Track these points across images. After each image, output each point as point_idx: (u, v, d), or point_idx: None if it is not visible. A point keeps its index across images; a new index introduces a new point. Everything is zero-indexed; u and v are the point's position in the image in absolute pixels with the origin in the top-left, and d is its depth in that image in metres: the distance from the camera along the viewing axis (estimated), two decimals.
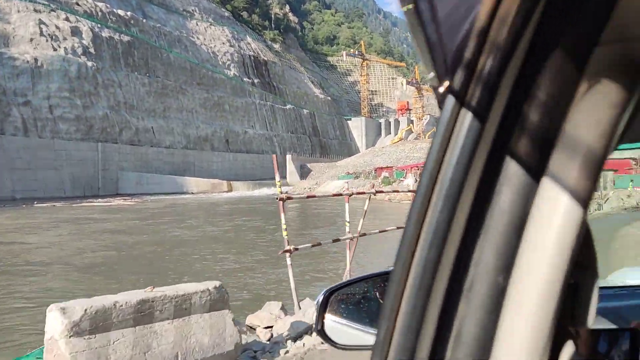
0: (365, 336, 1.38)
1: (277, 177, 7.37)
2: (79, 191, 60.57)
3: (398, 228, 9.97)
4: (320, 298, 1.46)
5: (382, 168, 50.11)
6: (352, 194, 8.85)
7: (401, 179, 41.54)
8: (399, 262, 0.51)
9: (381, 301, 1.27)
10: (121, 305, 4.52)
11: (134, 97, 73.58)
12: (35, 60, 61.19)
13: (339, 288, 1.53)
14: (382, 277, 1.52)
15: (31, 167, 55.19)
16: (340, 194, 9.56)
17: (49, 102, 61.01)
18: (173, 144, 77.85)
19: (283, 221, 7.51)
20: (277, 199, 7.44)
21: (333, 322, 1.45)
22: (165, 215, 29.64)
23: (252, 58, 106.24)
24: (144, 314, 4.63)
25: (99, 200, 49.02)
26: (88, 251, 16.36)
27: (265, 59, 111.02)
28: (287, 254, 7.43)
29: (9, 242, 18.40)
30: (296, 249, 7.58)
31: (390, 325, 0.50)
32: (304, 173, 74.26)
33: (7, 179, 51.98)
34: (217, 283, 5.39)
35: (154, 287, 4.86)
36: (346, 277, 8.21)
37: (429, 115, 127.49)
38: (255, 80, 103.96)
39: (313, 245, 8.19)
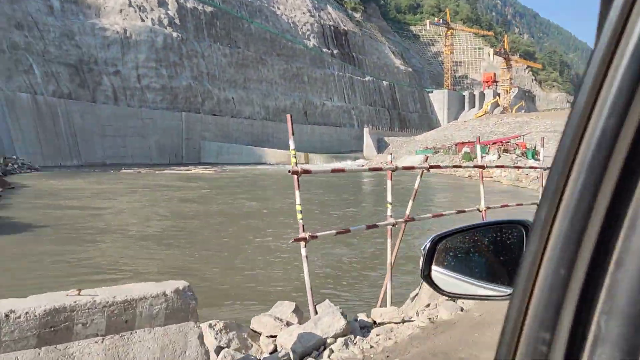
0: (471, 287, 1.38)
1: (292, 144, 5.89)
2: (164, 159, 63.05)
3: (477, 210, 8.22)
4: (427, 244, 1.46)
5: (463, 143, 47.63)
6: (396, 168, 6.97)
7: (483, 154, 39.13)
8: (536, 234, 0.47)
9: (487, 254, 1.44)
10: (18, 317, 3.05)
11: (216, 67, 74.90)
12: (125, 30, 63.54)
13: (446, 235, 1.50)
14: (495, 228, 1.46)
15: (120, 135, 57.94)
16: (380, 169, 7.56)
17: (137, 71, 63.42)
18: (252, 115, 78.87)
19: (297, 201, 5.84)
20: (289, 172, 5.99)
21: (438, 270, 1.46)
22: (240, 185, 29.77)
23: (332, 28, 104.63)
24: (56, 330, 3.17)
25: (182, 168, 50.58)
26: (154, 219, 16.39)
27: (346, 29, 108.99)
28: (302, 243, 5.84)
29: (82, 207, 18.89)
30: (313, 237, 5.88)
31: (526, 296, 0.48)
32: (381, 147, 72.73)
33: (98, 145, 54.93)
34: (180, 284, 3.78)
35: (80, 290, 3.38)
36: (386, 283, 6.92)
37: (517, 88, 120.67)
38: (335, 51, 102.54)
39: (338, 233, 6.50)
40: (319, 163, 69.73)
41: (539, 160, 40.78)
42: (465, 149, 43.22)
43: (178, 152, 65.42)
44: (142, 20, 66.67)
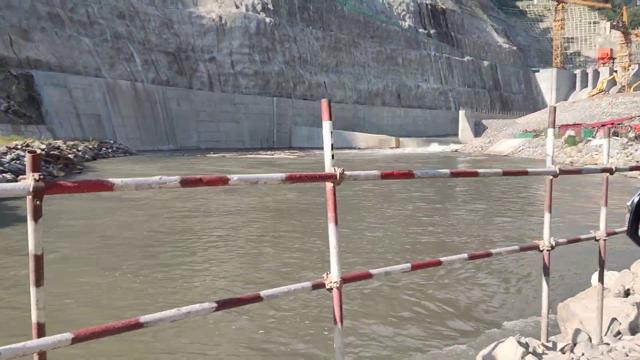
0: None
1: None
2: (256, 143, 64.11)
3: None
4: (636, 199, 1.37)
5: (567, 125, 42.92)
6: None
7: (589, 138, 34.86)
8: None
9: None
10: None
11: (307, 51, 74.61)
12: (220, 18, 64.96)
13: None
14: None
15: (214, 120, 59.57)
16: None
17: (231, 58, 64.72)
18: (344, 99, 77.82)
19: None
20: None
21: None
22: (310, 170, 28.89)
23: (429, 7, 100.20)
24: None
25: (268, 152, 50.88)
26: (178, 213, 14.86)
27: (444, 7, 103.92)
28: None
29: (107, 198, 17.30)
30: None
31: None
32: (478, 130, 68.53)
33: (193, 130, 56.85)
34: None
35: None
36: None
37: (637, 65, 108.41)
38: (432, 31, 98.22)
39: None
40: (412, 147, 67.33)
41: None
42: (569, 132, 38.86)
43: (270, 137, 66.20)
44: (237, 7, 67.81)
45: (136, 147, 48.83)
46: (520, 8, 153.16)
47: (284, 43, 71.19)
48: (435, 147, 63.29)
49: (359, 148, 65.23)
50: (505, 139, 50.16)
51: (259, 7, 69.88)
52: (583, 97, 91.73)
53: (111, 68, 51.48)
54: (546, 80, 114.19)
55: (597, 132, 36.07)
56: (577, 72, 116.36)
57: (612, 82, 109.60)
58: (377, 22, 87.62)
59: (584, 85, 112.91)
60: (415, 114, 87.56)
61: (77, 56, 49.21)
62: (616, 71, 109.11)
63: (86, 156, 30.40)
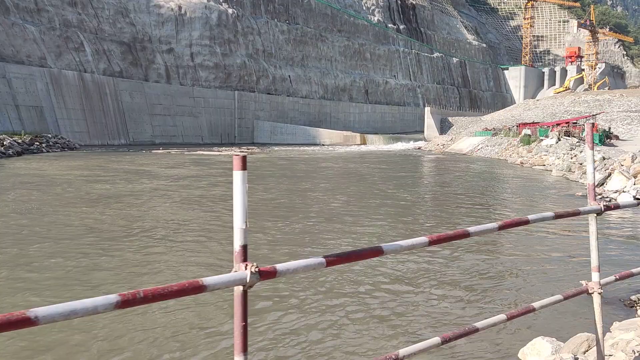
0: None
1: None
2: (216, 138, 62.02)
3: None
4: None
5: (525, 124, 42.17)
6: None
7: (542, 137, 33.96)
8: None
9: None
10: None
11: (272, 44, 72.66)
12: (179, 7, 62.47)
13: None
14: None
15: (170, 113, 57.25)
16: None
17: (191, 49, 62.34)
18: (310, 94, 76.19)
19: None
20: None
21: None
22: (261, 170, 27.14)
23: (399, 2, 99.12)
24: None
25: (223, 148, 48.92)
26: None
27: (414, 2, 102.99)
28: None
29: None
30: None
31: None
32: (444, 127, 67.67)
33: (147, 123, 54.46)
34: None
35: None
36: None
37: (604, 63, 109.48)
38: (401, 27, 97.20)
39: None
40: (377, 144, 66.10)
41: (613, 145, 34.91)
42: (526, 130, 38.00)
43: (231, 131, 64.15)
44: None
45: (83, 141, 46.38)
46: (492, 5, 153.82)
47: (247, 35, 69.08)
48: (400, 145, 62.16)
49: (323, 144, 63.74)
50: (467, 137, 49.22)
51: None
52: (551, 95, 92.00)
53: (58, 58, 48.72)
54: (515, 78, 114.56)
55: (551, 131, 35.22)
56: (545, 70, 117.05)
57: (580, 81, 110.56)
58: (345, 16, 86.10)
59: (552, 83, 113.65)
60: (383, 110, 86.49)
61: (21, 45, 46.34)
62: (584, 70, 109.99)
63: (9, 152, 27.96)
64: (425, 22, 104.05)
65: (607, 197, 16.14)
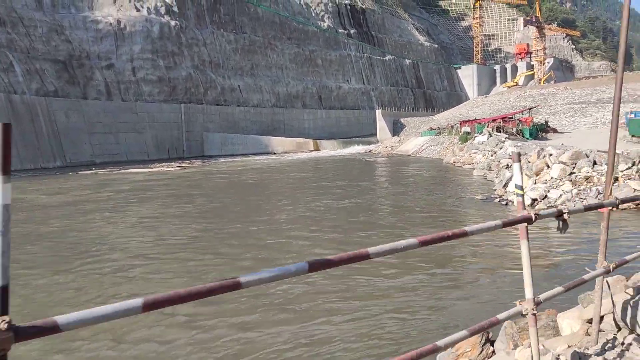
0: None
1: None
2: (163, 154, 60.07)
3: None
4: None
5: (466, 121, 42.02)
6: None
7: (476, 135, 33.60)
8: None
9: None
10: None
11: (219, 55, 71.26)
12: (118, 22, 60.56)
13: None
14: None
15: (112, 131, 55.12)
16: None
17: (132, 64, 60.41)
18: (261, 103, 74.96)
19: None
20: None
21: None
22: (185, 186, 25.73)
23: (349, 7, 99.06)
24: None
25: (164, 164, 47.24)
26: None
27: (363, 7, 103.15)
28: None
29: None
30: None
31: None
32: (397, 129, 67.40)
33: (86, 143, 52.25)
34: None
35: None
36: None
37: (552, 58, 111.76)
38: (352, 31, 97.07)
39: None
40: (331, 149, 65.27)
41: (546, 139, 34.79)
42: (465, 128, 37.71)
43: (179, 145, 62.29)
44: (138, 10, 63.56)
45: (13, 165, 43.93)
46: (443, 7, 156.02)
47: (192, 47, 67.48)
48: (351, 149, 61.48)
49: (275, 153, 62.54)
50: (414, 138, 48.83)
51: (162, 10, 65.87)
52: (500, 91, 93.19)
53: None
54: (468, 76, 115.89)
55: (486, 128, 34.91)
56: (497, 67, 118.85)
57: (531, 77, 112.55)
58: (294, 23, 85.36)
59: (504, 80, 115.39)
60: (338, 115, 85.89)
61: None
62: (533, 65, 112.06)
63: None
64: (376, 25, 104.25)
65: (504, 200, 15.35)
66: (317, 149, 65.21)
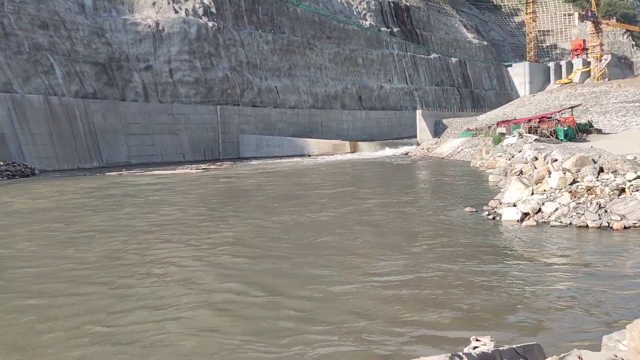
0: None
1: None
2: (199, 155, 60.26)
3: None
4: None
5: (503, 122, 39.33)
6: None
7: (509, 136, 31.07)
8: None
9: None
10: None
11: (256, 56, 70.93)
12: (157, 24, 61.20)
13: None
14: None
15: (148, 132, 55.68)
16: None
17: (169, 65, 60.91)
18: (298, 104, 74.12)
19: None
20: None
21: None
22: (201, 192, 24.91)
23: (392, 5, 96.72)
24: None
25: (194, 165, 47.05)
26: None
27: (408, 4, 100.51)
28: None
29: None
30: None
31: None
32: (438, 130, 64.83)
33: (122, 144, 52.96)
34: None
35: None
36: None
37: (610, 55, 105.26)
38: (395, 29, 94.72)
39: None
40: (369, 151, 63.57)
41: (585, 140, 31.76)
42: (500, 129, 35.21)
43: (214, 147, 62.34)
44: (176, 12, 64.07)
45: (51, 166, 44.95)
46: (495, 3, 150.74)
47: (230, 48, 67.43)
48: (388, 151, 59.60)
49: (310, 155, 61.53)
50: (451, 140, 46.50)
51: (200, 12, 66.15)
52: (554, 87, 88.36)
53: (25, 82, 47.56)
54: (519, 74, 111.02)
55: (522, 128, 32.38)
56: (551, 64, 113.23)
57: (588, 74, 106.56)
58: (334, 22, 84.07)
59: (558, 77, 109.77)
60: (378, 115, 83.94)
61: None
62: (589, 62, 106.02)
63: None
64: (420, 23, 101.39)
65: (490, 214, 13.36)
66: (354, 150, 63.69)
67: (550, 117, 35.65)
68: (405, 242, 11.26)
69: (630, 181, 12.67)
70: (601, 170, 13.54)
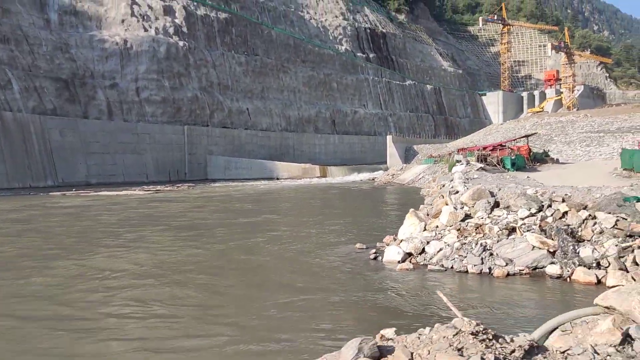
0: None
1: None
2: (164, 176, 58.49)
3: None
4: None
5: (462, 149, 38.87)
6: None
7: (463, 163, 30.43)
8: None
9: None
10: None
11: (228, 77, 70.01)
12: (125, 41, 60.00)
13: None
14: None
15: (109, 151, 53.89)
16: None
17: (137, 84, 59.53)
18: (271, 127, 73.11)
19: None
20: None
21: None
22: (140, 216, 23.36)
23: (369, 31, 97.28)
24: None
25: (154, 187, 45.37)
26: None
27: (384, 31, 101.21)
28: None
29: None
30: None
31: None
32: (409, 156, 64.28)
33: (81, 163, 51.06)
34: None
35: None
36: None
37: (582, 86, 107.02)
38: (371, 55, 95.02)
39: None
40: (339, 176, 62.55)
41: (535, 170, 31.09)
42: (458, 156, 34.55)
43: (181, 168, 60.72)
44: (145, 30, 63.01)
45: (1, 184, 42.86)
46: (472, 33, 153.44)
47: (201, 68, 66.41)
48: (358, 176, 58.71)
49: (279, 178, 60.23)
50: (415, 166, 45.79)
51: (171, 31, 65.22)
52: (526, 116, 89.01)
53: None
54: (493, 103, 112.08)
55: (473, 156, 31.71)
56: (524, 94, 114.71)
57: (559, 103, 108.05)
58: (310, 46, 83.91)
59: (531, 106, 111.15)
60: (352, 140, 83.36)
61: None
62: (562, 92, 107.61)
63: None
64: (397, 50, 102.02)
65: (378, 252, 11.82)
66: (324, 175, 62.64)
67: (504, 146, 35.03)
68: (234, 303, 8.68)
69: (522, 219, 11.24)
70: (497, 205, 12.14)
